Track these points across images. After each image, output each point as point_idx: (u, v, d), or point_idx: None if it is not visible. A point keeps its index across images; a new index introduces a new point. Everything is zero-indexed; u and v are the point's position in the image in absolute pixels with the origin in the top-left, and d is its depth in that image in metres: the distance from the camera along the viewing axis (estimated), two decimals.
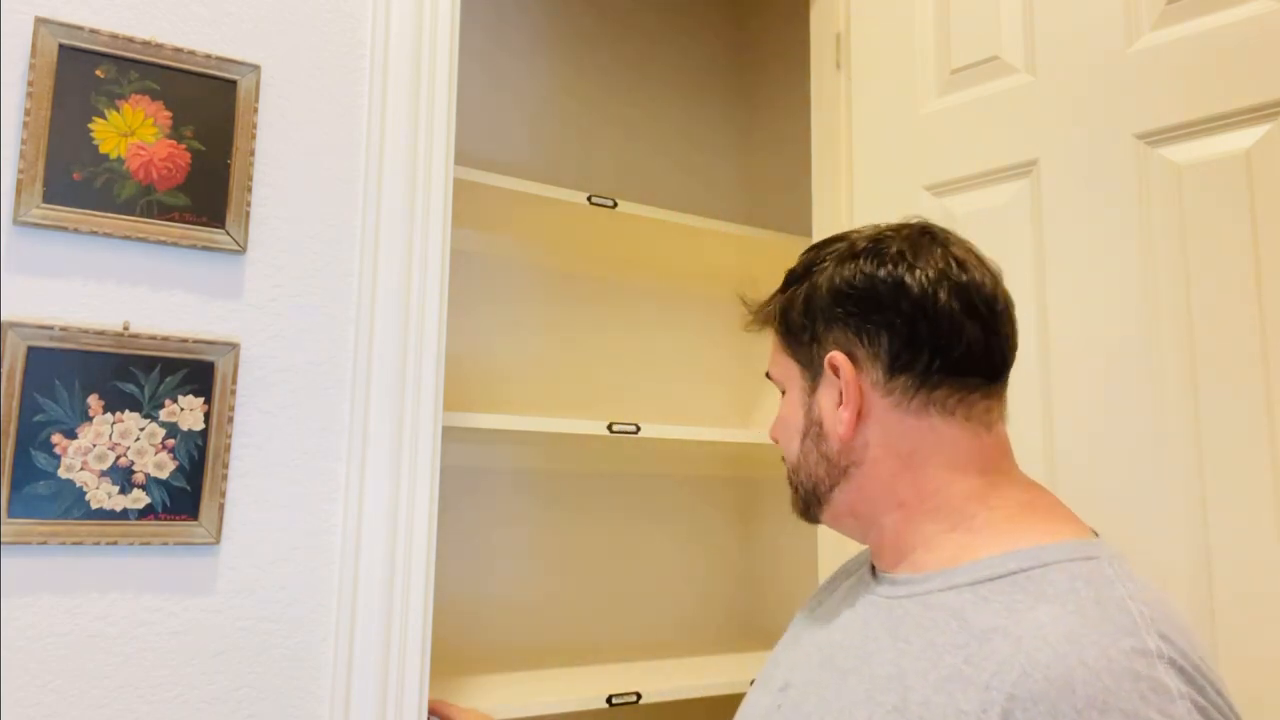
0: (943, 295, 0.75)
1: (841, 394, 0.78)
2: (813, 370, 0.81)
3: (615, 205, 1.62)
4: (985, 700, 0.62)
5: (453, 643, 1.67)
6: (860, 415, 0.77)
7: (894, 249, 0.78)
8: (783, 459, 0.86)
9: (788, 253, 1.86)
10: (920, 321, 0.75)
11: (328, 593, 1.13)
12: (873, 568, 0.83)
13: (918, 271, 0.76)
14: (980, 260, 0.79)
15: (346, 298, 1.18)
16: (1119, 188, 1.07)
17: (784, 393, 0.85)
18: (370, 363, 1.15)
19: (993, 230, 1.18)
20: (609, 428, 1.52)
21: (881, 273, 0.77)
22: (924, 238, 0.79)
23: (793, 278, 0.84)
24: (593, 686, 1.45)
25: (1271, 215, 0.95)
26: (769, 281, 2.03)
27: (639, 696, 1.43)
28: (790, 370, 0.83)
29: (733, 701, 1.96)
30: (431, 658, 1.60)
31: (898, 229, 0.81)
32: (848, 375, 0.77)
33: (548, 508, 1.81)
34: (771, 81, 2.14)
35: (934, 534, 0.75)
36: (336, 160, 1.19)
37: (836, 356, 0.78)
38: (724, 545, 2.02)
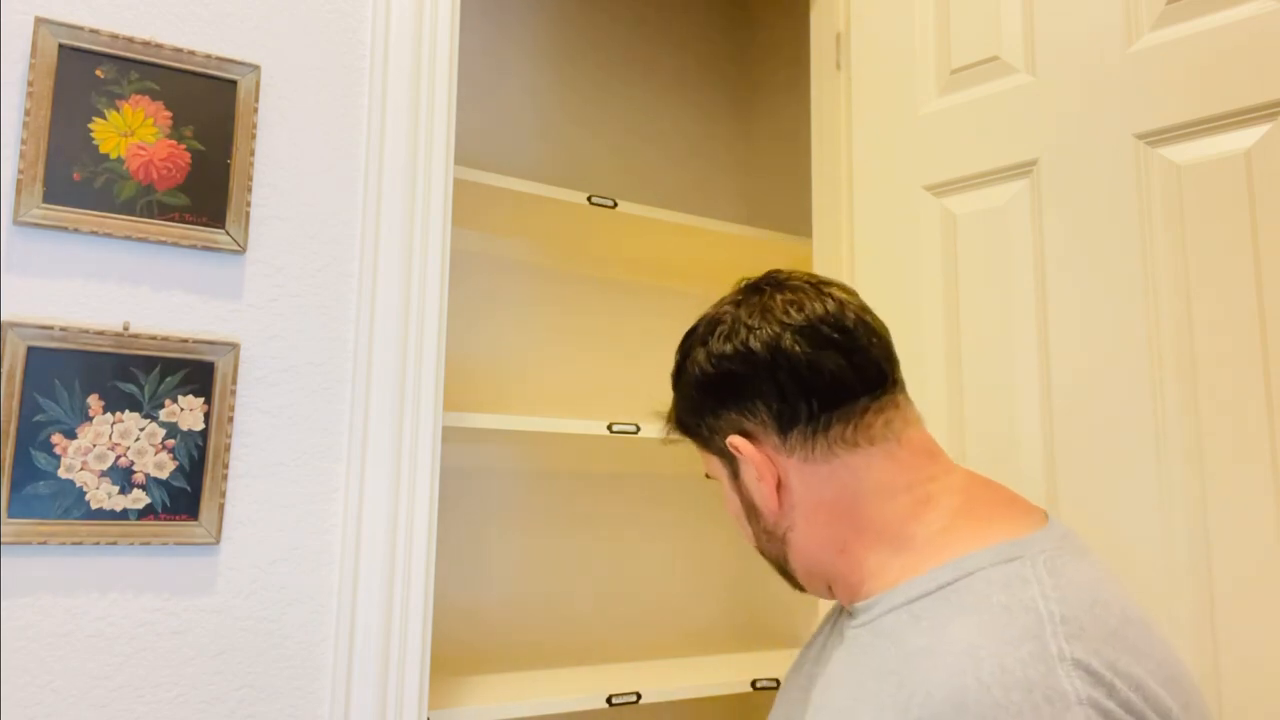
0: (787, 343, 0.77)
1: (758, 472, 0.79)
2: (726, 458, 0.83)
3: (615, 205, 1.62)
4: (894, 701, 0.63)
5: (453, 642, 1.67)
6: (779, 483, 0.79)
7: (728, 321, 0.81)
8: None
9: (788, 253, 1.86)
10: (781, 375, 0.77)
11: (328, 593, 1.13)
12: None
13: (755, 333, 0.79)
14: (818, 290, 0.81)
15: (346, 298, 1.18)
16: (1119, 188, 1.07)
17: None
18: (370, 363, 1.15)
19: (993, 230, 1.18)
20: (609, 428, 1.52)
21: (728, 349, 0.80)
22: (753, 297, 0.82)
23: (674, 382, 0.88)
24: (593, 686, 1.45)
25: (1271, 215, 0.95)
26: None
27: (639, 696, 1.43)
28: (714, 464, 0.85)
29: (733, 701, 1.96)
30: (431, 657, 1.60)
31: (731, 297, 0.85)
32: (749, 452, 0.79)
33: (548, 508, 1.81)
34: (771, 81, 2.14)
35: (879, 563, 0.76)
36: (336, 160, 1.19)
37: (733, 439, 0.80)
38: (724, 545, 2.02)
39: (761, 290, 0.83)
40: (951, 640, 0.64)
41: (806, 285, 0.82)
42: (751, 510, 0.82)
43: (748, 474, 0.81)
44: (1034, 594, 0.65)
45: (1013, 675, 0.60)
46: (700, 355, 0.82)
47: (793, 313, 0.79)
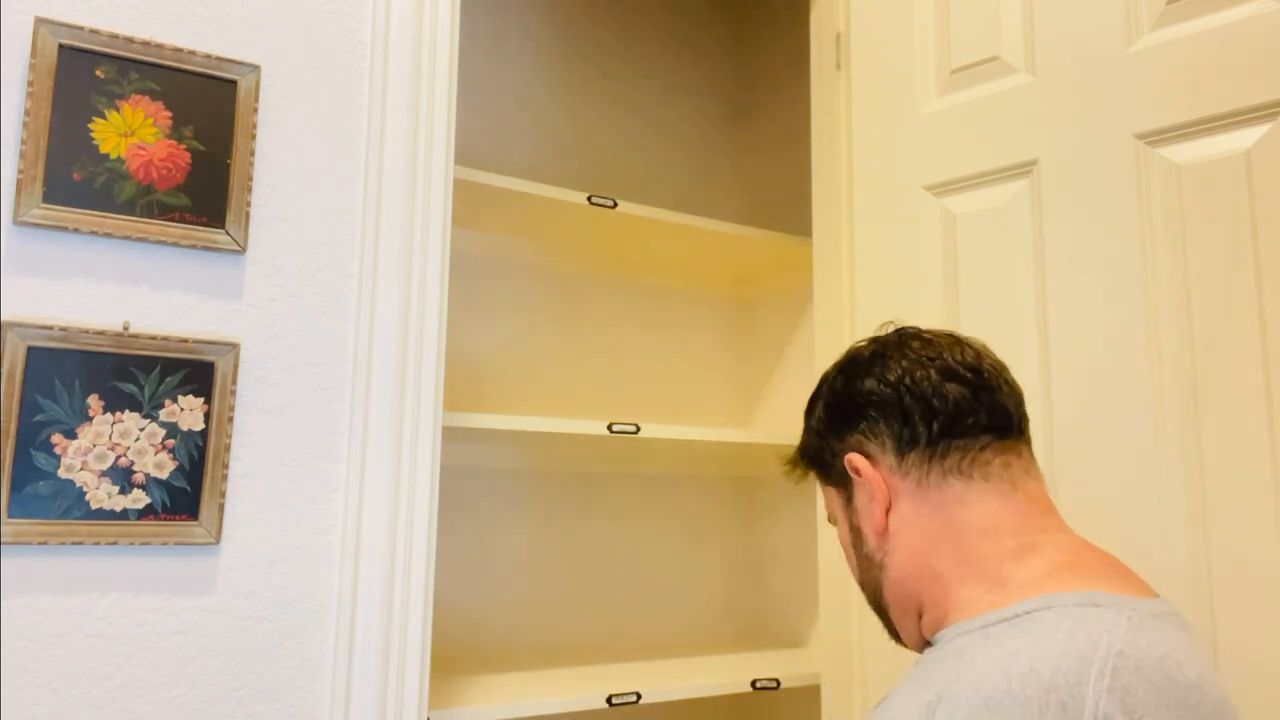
0: (919, 372, 0.81)
1: (870, 492, 0.82)
2: (844, 483, 0.85)
3: (615, 205, 1.62)
4: (926, 700, 0.64)
5: (453, 642, 1.67)
6: (889, 504, 0.81)
7: (868, 353, 0.85)
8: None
9: (788, 253, 1.86)
10: (907, 398, 0.80)
11: (328, 593, 1.13)
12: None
13: (892, 361, 0.83)
14: (957, 341, 0.84)
15: (346, 298, 1.18)
16: (1119, 188, 1.07)
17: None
18: (370, 363, 1.15)
19: (993, 230, 1.18)
20: (609, 428, 1.52)
21: (865, 374, 0.84)
22: (896, 338, 0.86)
23: (805, 417, 0.92)
24: (593, 686, 1.45)
25: (1271, 215, 0.95)
26: (769, 281, 2.04)
27: (639, 696, 1.43)
28: (831, 497, 0.88)
29: (733, 701, 1.96)
30: (431, 657, 1.60)
31: (870, 339, 0.88)
32: (866, 470, 0.81)
33: (548, 508, 1.81)
34: (771, 81, 2.14)
35: (971, 598, 0.75)
36: (336, 160, 1.19)
37: (852, 458, 0.83)
38: (724, 545, 2.02)
39: (904, 334, 0.87)
40: (1003, 650, 0.65)
41: (946, 336, 0.86)
42: (858, 536, 0.84)
43: (861, 497, 0.83)
44: (1103, 630, 0.64)
45: (1040, 676, 0.60)
46: (838, 381, 0.86)
47: (931, 350, 0.83)
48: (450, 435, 1.54)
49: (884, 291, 1.30)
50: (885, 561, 0.81)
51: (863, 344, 0.88)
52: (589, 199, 1.59)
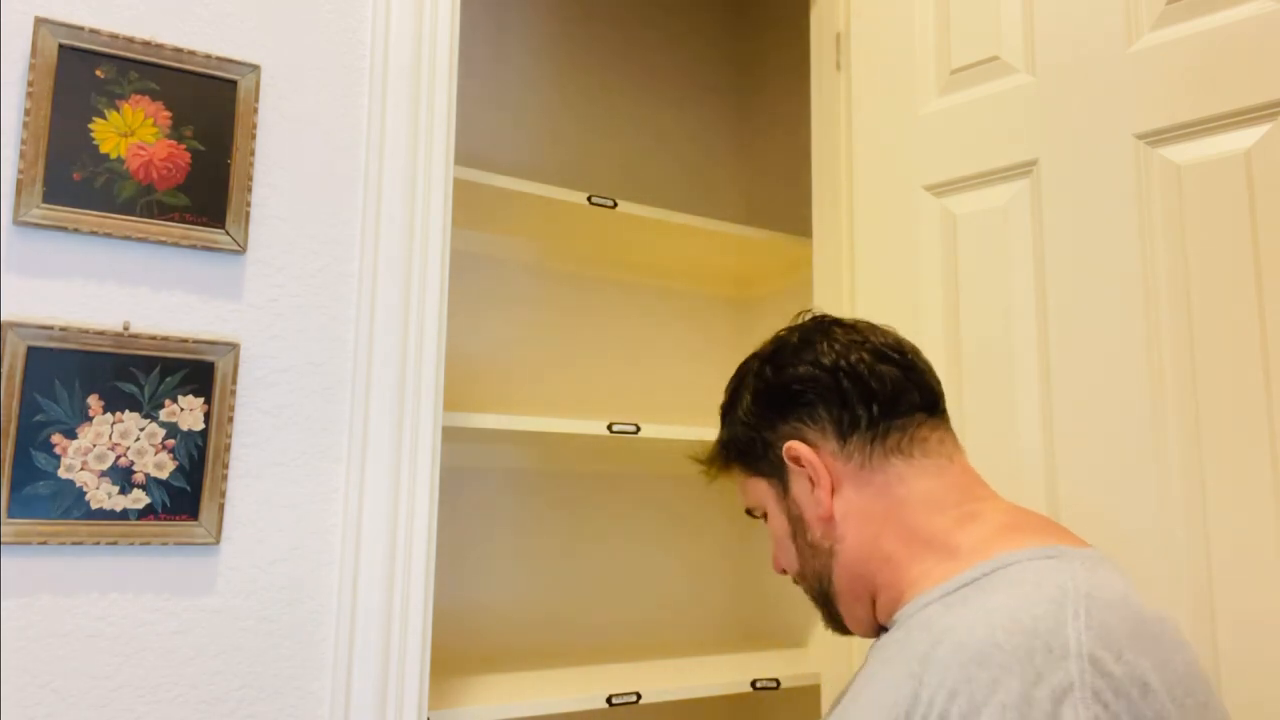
0: (853, 355, 0.82)
1: (811, 480, 0.82)
2: (779, 474, 0.85)
3: (615, 205, 1.62)
4: (910, 671, 0.65)
5: (453, 642, 1.67)
6: (834, 489, 0.81)
7: (795, 340, 0.85)
8: (796, 582, 0.88)
9: (788, 253, 1.86)
10: (845, 381, 0.81)
11: (328, 593, 1.13)
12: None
13: (822, 346, 0.83)
14: (872, 326, 0.86)
15: (346, 298, 1.18)
16: (1119, 188, 1.07)
17: (765, 517, 0.88)
18: (370, 363, 1.15)
19: (993, 230, 1.18)
20: (609, 428, 1.52)
21: (796, 362, 0.84)
22: (816, 325, 0.87)
23: (723, 412, 0.91)
24: (593, 686, 1.45)
25: (1271, 215, 0.95)
26: (769, 281, 2.04)
27: (639, 696, 1.43)
28: (760, 489, 0.87)
29: (733, 701, 1.96)
30: (431, 657, 1.60)
31: (791, 328, 0.88)
32: (809, 457, 0.81)
33: (547, 508, 1.81)
34: (771, 81, 2.14)
35: (924, 572, 0.76)
36: (336, 160, 1.19)
37: (793, 446, 0.82)
38: (724, 545, 2.02)
39: (822, 322, 0.87)
40: (975, 609, 0.66)
41: (863, 324, 0.87)
42: (799, 525, 0.84)
43: (799, 486, 0.83)
44: (1065, 578, 0.66)
45: (1020, 624, 0.62)
46: (766, 370, 0.86)
47: (857, 336, 0.84)
48: (450, 435, 1.54)
49: (884, 291, 1.30)
50: (836, 549, 0.81)
51: (785, 332, 0.88)
52: (589, 199, 1.59)
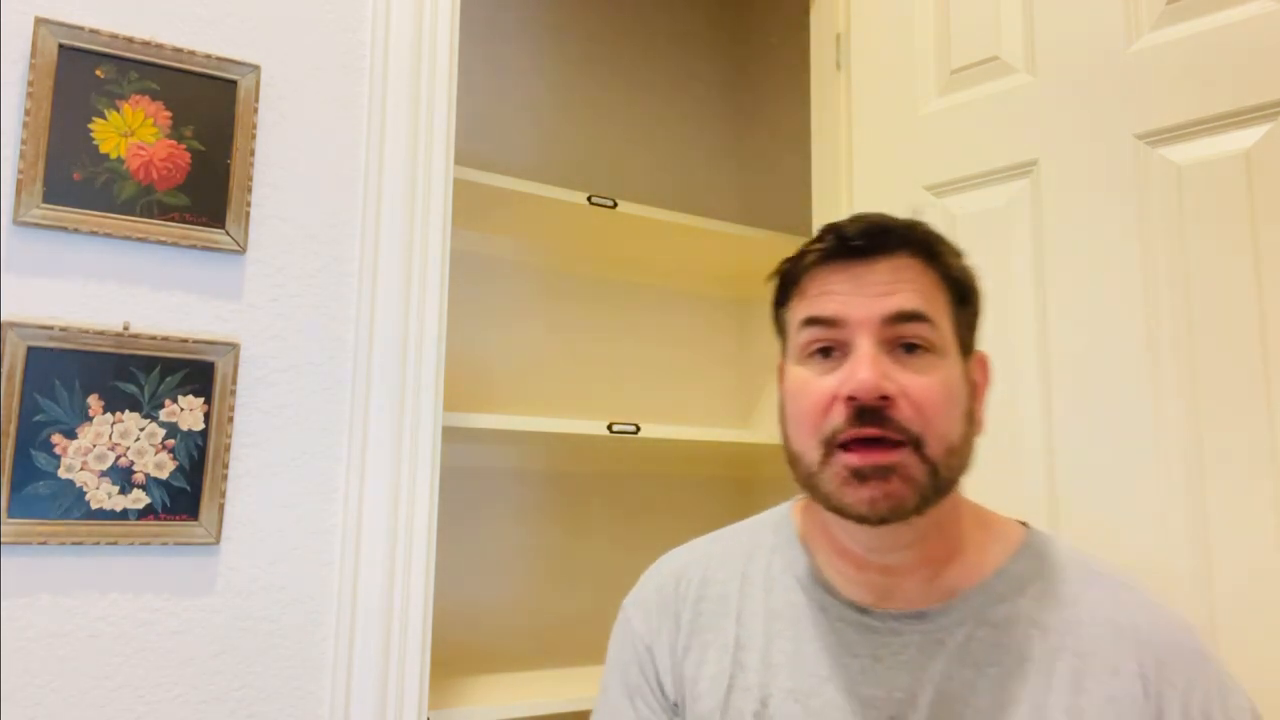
0: None
1: (980, 384, 0.74)
2: (966, 354, 0.73)
3: (615, 205, 1.62)
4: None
5: (453, 643, 1.67)
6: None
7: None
8: (914, 433, 0.67)
9: (787, 253, 1.85)
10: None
11: (328, 593, 1.13)
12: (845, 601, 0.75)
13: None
14: None
15: (346, 298, 1.18)
16: (1119, 188, 1.07)
17: (919, 350, 0.69)
18: (370, 363, 1.15)
19: (993, 230, 1.18)
20: (609, 428, 1.52)
21: (973, 271, 0.74)
22: None
23: (939, 246, 0.74)
24: (593, 687, 1.45)
25: (1271, 215, 0.95)
26: (768, 282, 2.03)
27: None
28: (948, 336, 0.71)
29: None
30: (431, 657, 1.60)
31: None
32: (991, 375, 0.76)
33: (548, 508, 1.81)
34: (771, 82, 2.14)
35: (965, 533, 0.74)
36: (336, 160, 1.19)
37: (986, 356, 0.75)
38: None
39: None
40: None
41: None
42: (971, 415, 0.74)
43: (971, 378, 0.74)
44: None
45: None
46: (963, 262, 0.75)
47: None
48: (450, 435, 1.54)
49: None
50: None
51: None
52: (589, 199, 1.59)
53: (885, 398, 0.66)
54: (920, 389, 0.67)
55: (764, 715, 0.74)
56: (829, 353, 0.70)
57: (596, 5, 2.02)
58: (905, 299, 0.69)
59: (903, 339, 0.69)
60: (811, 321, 0.71)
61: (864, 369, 0.66)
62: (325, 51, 1.20)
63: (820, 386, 0.69)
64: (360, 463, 1.14)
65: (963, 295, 0.74)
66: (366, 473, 1.14)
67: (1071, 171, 1.11)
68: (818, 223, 1.46)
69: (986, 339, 1.17)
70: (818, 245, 0.75)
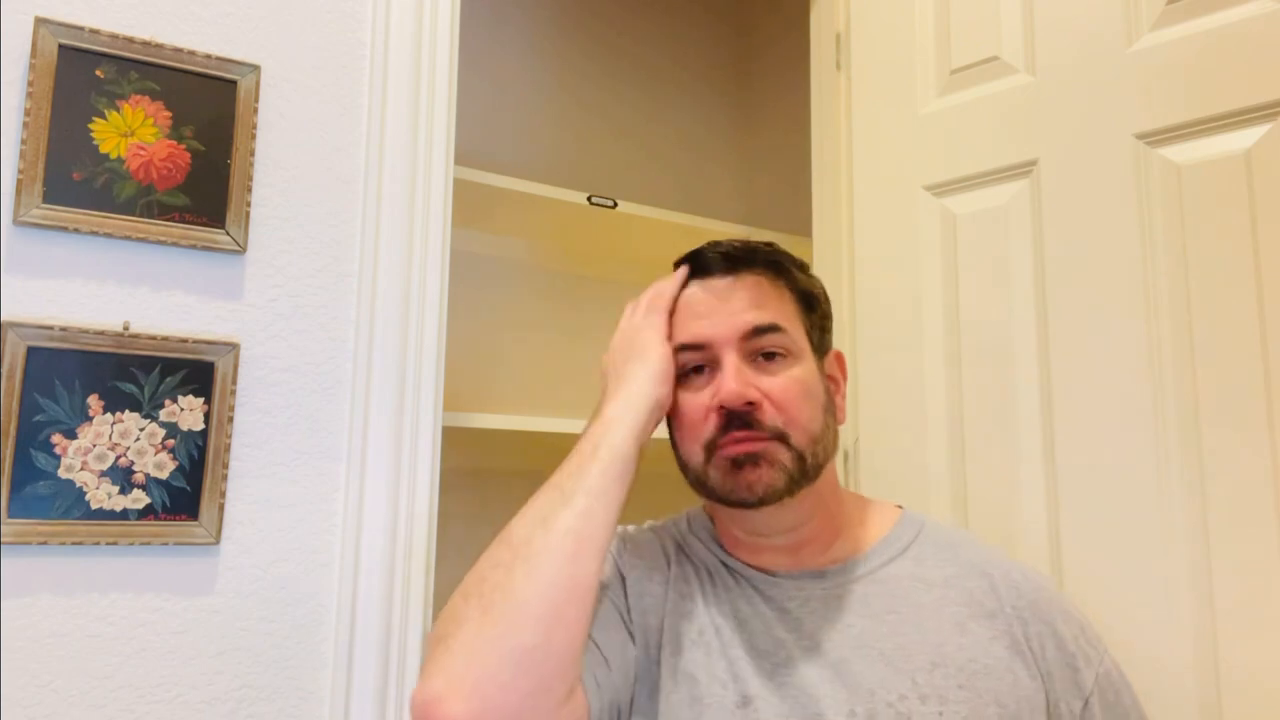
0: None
1: (837, 383, 0.89)
2: (820, 354, 0.86)
3: (615, 205, 1.62)
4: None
5: None
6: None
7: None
8: (778, 428, 0.79)
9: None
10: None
11: (328, 593, 1.13)
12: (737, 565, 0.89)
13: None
14: None
15: (346, 298, 1.18)
16: (1119, 188, 1.07)
17: (777, 356, 0.81)
18: (370, 363, 1.15)
19: (993, 230, 1.18)
20: None
21: (817, 280, 0.91)
22: None
23: (785, 263, 0.88)
24: None
25: (1271, 215, 0.95)
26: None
27: None
28: (801, 341, 0.83)
29: None
30: None
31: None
32: (846, 369, 0.92)
33: None
34: (771, 82, 2.14)
35: (847, 513, 0.89)
36: (336, 160, 1.19)
37: (841, 354, 0.91)
38: None
39: None
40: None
41: None
42: (831, 409, 0.87)
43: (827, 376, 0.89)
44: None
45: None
46: (810, 276, 0.90)
47: None
48: (450, 435, 1.54)
49: (884, 291, 1.30)
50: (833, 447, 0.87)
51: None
52: (589, 199, 1.59)
53: (751, 403, 0.79)
54: (780, 390, 0.80)
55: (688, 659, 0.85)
56: (702, 370, 0.83)
57: (597, 5, 2.02)
58: (760, 314, 0.81)
59: (762, 349, 0.81)
60: (684, 348, 0.84)
61: (729, 381, 0.79)
62: (325, 51, 1.20)
63: (697, 401, 0.82)
64: (360, 463, 1.14)
65: (810, 303, 0.86)
66: (366, 473, 1.14)
67: (1071, 171, 1.11)
68: (817, 222, 1.46)
69: (987, 339, 1.17)
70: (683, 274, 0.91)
